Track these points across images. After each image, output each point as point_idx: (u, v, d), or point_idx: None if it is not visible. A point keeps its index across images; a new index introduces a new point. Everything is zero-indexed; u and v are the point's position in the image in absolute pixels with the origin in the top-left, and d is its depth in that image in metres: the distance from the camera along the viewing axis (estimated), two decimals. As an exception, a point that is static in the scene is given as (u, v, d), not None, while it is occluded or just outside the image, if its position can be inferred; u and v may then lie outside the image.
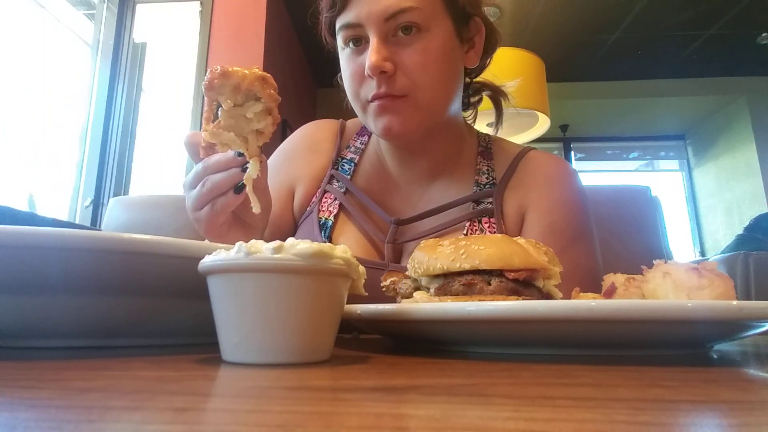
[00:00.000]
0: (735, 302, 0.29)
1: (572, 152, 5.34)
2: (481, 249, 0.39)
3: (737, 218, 4.45)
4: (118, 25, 2.61)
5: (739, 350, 0.42)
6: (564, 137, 5.23)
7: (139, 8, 2.68)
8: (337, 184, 0.80)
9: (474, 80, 0.83)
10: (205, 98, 0.47)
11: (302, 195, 0.81)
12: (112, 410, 0.17)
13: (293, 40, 3.35)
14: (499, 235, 0.41)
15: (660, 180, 5.56)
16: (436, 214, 0.74)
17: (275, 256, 0.27)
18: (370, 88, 0.67)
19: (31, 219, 0.57)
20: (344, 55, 0.70)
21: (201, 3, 2.57)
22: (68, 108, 2.57)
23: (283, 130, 2.90)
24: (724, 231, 4.63)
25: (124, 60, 2.60)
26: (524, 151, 0.81)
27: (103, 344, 0.35)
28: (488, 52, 0.79)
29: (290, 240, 0.28)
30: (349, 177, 0.80)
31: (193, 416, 0.17)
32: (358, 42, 0.67)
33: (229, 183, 0.52)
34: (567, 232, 0.72)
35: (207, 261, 0.28)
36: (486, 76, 0.84)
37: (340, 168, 0.82)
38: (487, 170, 0.78)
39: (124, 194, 2.49)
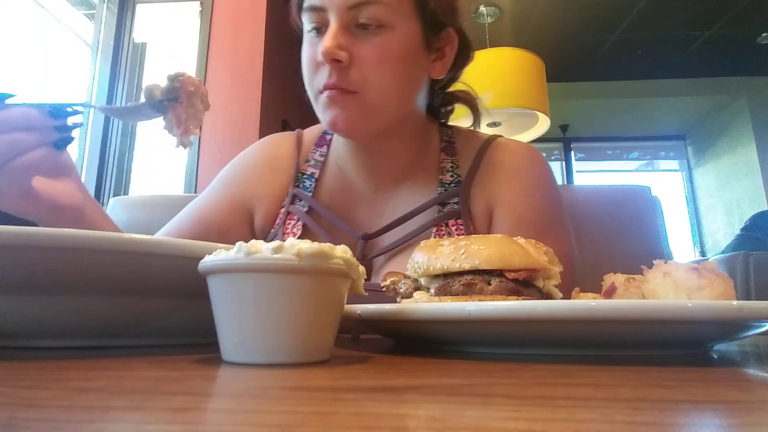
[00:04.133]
0: (735, 302, 0.29)
1: (572, 152, 5.34)
2: (481, 249, 0.39)
3: (737, 218, 4.45)
4: (118, 25, 2.60)
5: (739, 350, 0.42)
6: (564, 137, 5.24)
7: (139, 8, 2.68)
8: (299, 203, 0.76)
9: (446, 91, 0.80)
10: None
11: (263, 216, 0.77)
12: (112, 410, 0.17)
13: (293, 40, 3.34)
14: (499, 235, 0.41)
15: (660, 180, 5.57)
16: (403, 223, 0.71)
17: (275, 256, 0.27)
18: (323, 77, 0.64)
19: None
20: (305, 41, 0.68)
21: (201, 3, 2.57)
22: (68, 108, 2.56)
23: (283, 130, 2.89)
24: (724, 231, 4.63)
25: (124, 60, 2.60)
26: (488, 142, 0.76)
27: (103, 344, 0.35)
28: (459, 65, 0.75)
29: (290, 240, 0.28)
30: (311, 194, 0.76)
31: (193, 416, 0.17)
32: (320, 28, 0.65)
33: (28, 140, 0.48)
34: (536, 223, 0.69)
35: (207, 261, 0.28)
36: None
37: (301, 185, 0.78)
38: (452, 167, 0.75)
39: (124, 194, 2.49)
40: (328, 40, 0.61)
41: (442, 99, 0.80)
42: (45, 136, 0.49)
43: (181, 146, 0.52)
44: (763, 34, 3.92)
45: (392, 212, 0.74)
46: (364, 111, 0.64)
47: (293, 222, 0.75)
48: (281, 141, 0.83)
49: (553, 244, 0.69)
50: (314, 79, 0.66)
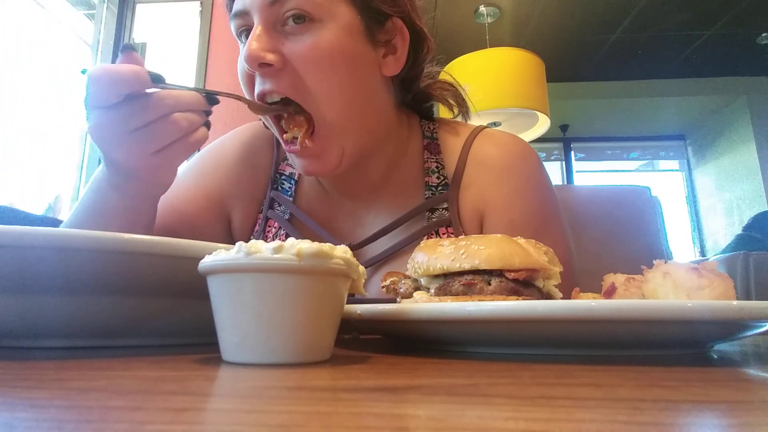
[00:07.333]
0: (735, 302, 0.29)
1: (572, 152, 5.34)
2: (481, 249, 0.39)
3: (737, 218, 4.45)
4: (118, 25, 2.60)
5: (739, 350, 0.42)
6: (564, 137, 5.24)
7: (139, 8, 2.68)
8: (279, 208, 0.72)
9: (421, 88, 0.73)
10: None
11: (241, 219, 0.73)
12: (112, 410, 0.17)
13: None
14: (499, 235, 0.41)
15: (660, 180, 5.57)
16: (390, 232, 0.67)
17: (275, 256, 0.27)
18: (258, 87, 0.58)
19: (31, 219, 0.57)
20: (240, 54, 0.61)
21: (201, 3, 2.57)
22: (68, 108, 2.57)
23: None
24: (724, 231, 4.63)
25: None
26: (472, 135, 0.71)
27: (103, 344, 0.35)
28: (417, 60, 0.67)
29: (290, 240, 0.28)
30: (291, 199, 0.72)
31: (193, 416, 0.17)
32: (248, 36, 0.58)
33: (199, 120, 0.53)
34: (530, 226, 0.66)
35: (207, 261, 0.28)
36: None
37: (280, 187, 0.73)
38: (437, 167, 0.70)
39: (124, 194, 2.49)
40: (252, 43, 0.55)
41: (414, 97, 0.74)
42: (202, 118, 0.54)
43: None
44: (763, 34, 3.92)
45: (375, 218, 0.70)
46: (330, 139, 0.59)
47: (274, 229, 0.71)
48: (260, 134, 0.77)
49: (548, 245, 0.66)
50: (250, 93, 0.60)
